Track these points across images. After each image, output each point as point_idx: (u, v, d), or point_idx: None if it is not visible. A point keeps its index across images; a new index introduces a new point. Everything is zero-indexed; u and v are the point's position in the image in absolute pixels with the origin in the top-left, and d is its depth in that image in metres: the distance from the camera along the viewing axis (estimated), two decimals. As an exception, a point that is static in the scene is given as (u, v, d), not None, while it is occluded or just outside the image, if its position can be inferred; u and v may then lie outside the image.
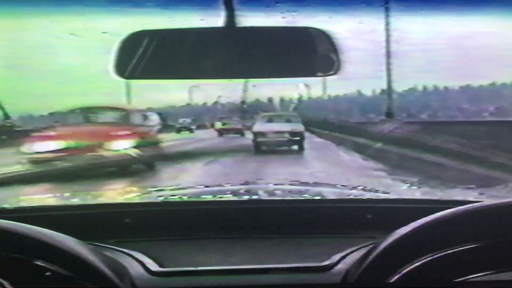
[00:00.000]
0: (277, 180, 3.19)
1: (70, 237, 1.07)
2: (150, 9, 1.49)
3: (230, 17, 1.32)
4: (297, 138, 16.56)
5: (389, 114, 17.11)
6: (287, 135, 16.60)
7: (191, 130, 31.34)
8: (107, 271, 1.03)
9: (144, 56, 1.33)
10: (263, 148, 16.41)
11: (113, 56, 1.32)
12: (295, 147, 16.42)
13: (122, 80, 1.33)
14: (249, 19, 1.36)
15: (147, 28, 1.36)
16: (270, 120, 18.23)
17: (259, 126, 17.36)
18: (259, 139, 16.68)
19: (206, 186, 2.03)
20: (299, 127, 17.15)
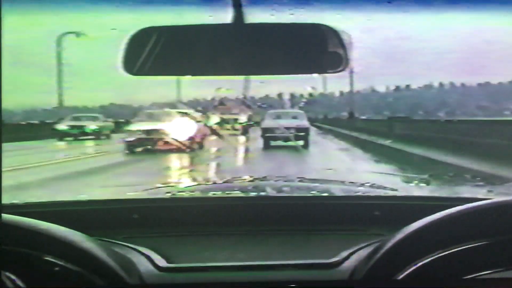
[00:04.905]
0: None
1: (79, 233, 1.08)
2: (159, 5, 1.49)
3: (239, 14, 1.31)
4: (303, 133, 17.43)
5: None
6: (293, 131, 17.27)
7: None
8: (116, 266, 1.04)
9: (153, 53, 1.33)
10: (271, 143, 16.99)
11: (122, 52, 1.32)
12: (301, 142, 17.12)
13: (130, 77, 1.33)
14: (257, 15, 1.36)
15: (155, 25, 1.36)
16: (277, 117, 18.93)
17: (267, 122, 18.12)
18: (267, 135, 17.46)
19: (214, 183, 2.03)
20: (305, 123, 17.99)
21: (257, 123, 20.24)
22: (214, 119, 21.22)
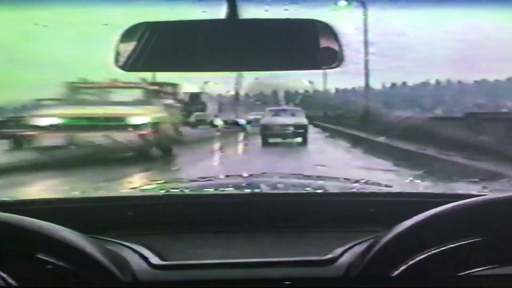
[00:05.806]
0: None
1: (71, 230, 1.07)
2: (152, 1, 1.48)
3: (232, 9, 1.31)
4: (301, 130, 17.57)
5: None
6: (291, 128, 17.35)
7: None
8: (109, 264, 1.03)
9: (146, 48, 1.33)
10: (269, 140, 17.09)
11: (115, 48, 1.31)
12: (299, 139, 17.12)
13: (123, 72, 1.33)
14: (251, 11, 1.35)
15: (148, 20, 1.35)
16: (276, 114, 19.05)
17: (265, 120, 18.26)
18: (266, 132, 17.53)
19: (208, 180, 2.03)
20: (303, 121, 18.08)
21: (236, 124, 18.39)
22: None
